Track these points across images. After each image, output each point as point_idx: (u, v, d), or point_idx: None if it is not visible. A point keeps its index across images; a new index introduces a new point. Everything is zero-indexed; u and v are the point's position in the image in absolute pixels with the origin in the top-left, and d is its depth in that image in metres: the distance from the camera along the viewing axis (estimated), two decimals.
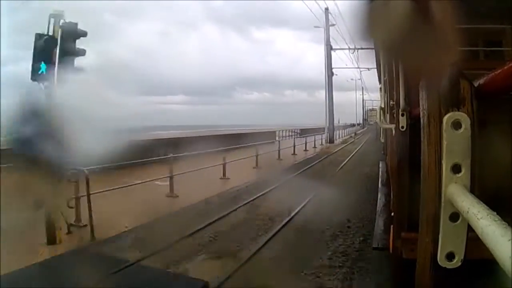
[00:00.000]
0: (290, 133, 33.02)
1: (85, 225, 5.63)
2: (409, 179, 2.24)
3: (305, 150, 20.04)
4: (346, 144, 26.20)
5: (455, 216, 0.97)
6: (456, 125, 0.98)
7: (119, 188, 6.99)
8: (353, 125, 63.56)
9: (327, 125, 28.35)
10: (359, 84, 63.64)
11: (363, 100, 66.32)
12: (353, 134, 41.27)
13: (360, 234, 5.43)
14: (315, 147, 22.51)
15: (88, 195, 5.60)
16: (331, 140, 27.94)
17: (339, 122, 55.06)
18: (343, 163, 14.42)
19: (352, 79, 53.88)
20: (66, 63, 4.43)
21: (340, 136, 35.03)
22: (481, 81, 1.04)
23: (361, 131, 53.13)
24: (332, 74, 28.79)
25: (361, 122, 70.13)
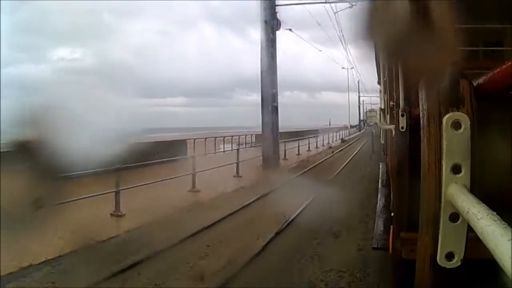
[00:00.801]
0: (251, 140, 21.95)
1: None
2: (409, 179, 2.24)
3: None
4: (300, 173, 11.92)
5: (455, 216, 0.97)
6: (456, 125, 0.98)
7: None
8: (346, 127, 52.73)
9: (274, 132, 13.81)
10: (357, 81, 56.21)
11: (359, 98, 59.78)
12: (338, 142, 28.11)
13: None
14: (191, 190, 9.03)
15: None
16: (267, 161, 13.33)
17: (330, 124, 46.90)
18: None
19: (343, 68, 47.82)
20: None
21: (313, 146, 20.86)
22: (480, 80, 1.04)
23: (353, 135, 41.05)
24: (278, 23, 13.90)
25: (359, 123, 61.79)
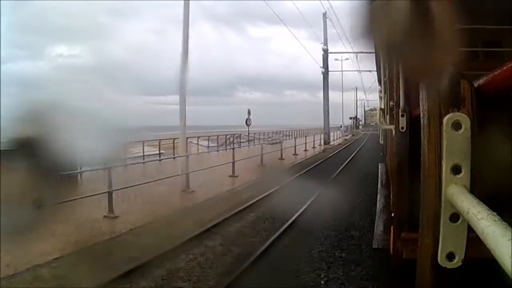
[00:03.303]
0: None
1: None
2: (409, 179, 2.25)
3: None
4: None
5: (455, 216, 0.97)
6: (456, 125, 0.98)
7: None
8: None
9: None
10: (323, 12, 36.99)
11: (324, 53, 31.91)
12: None
13: None
14: None
15: None
16: None
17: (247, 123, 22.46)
18: None
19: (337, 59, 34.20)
20: None
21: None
22: (481, 81, 1.04)
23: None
24: None
25: (326, 127, 28.95)
